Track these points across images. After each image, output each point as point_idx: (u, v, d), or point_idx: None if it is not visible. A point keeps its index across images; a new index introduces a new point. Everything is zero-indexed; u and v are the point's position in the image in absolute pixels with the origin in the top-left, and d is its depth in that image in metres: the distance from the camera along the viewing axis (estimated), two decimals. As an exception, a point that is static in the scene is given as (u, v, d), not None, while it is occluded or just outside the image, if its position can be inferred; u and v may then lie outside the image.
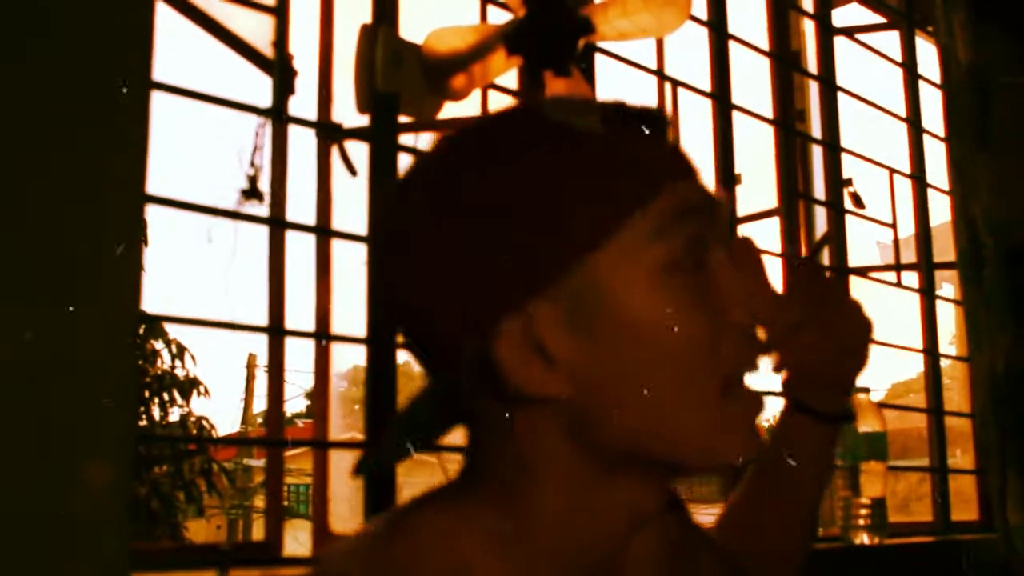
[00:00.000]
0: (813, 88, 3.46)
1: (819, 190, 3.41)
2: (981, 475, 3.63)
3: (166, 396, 7.47)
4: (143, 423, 7.16)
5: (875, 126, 3.62)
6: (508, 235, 0.71)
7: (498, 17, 2.43)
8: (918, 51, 3.80)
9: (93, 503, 1.55)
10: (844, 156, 3.40)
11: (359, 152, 2.22)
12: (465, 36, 2.26)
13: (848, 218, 3.36)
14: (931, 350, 3.52)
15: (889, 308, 3.43)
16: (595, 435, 0.73)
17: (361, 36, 2.23)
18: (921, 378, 3.61)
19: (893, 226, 3.49)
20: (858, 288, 3.35)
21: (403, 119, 2.28)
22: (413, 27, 2.27)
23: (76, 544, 1.53)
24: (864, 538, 2.73)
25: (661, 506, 0.79)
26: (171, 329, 7.49)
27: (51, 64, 1.53)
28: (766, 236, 3.12)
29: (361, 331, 2.15)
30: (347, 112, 2.25)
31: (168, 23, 1.90)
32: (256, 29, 2.19)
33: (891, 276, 3.49)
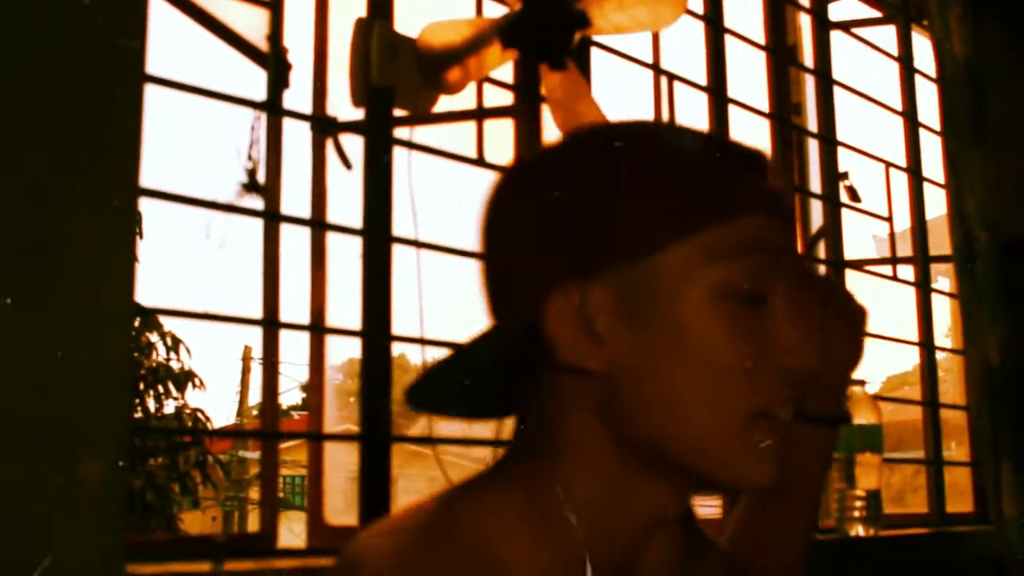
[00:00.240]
0: (809, 82, 3.46)
1: (815, 183, 3.42)
2: (976, 467, 3.64)
3: (161, 389, 7.47)
4: (138, 415, 7.15)
5: (871, 120, 3.62)
6: (591, 215, 0.77)
7: (493, 10, 2.43)
8: (914, 45, 3.79)
9: (88, 496, 1.55)
10: (840, 150, 3.40)
11: (354, 146, 2.22)
12: (460, 29, 2.26)
13: (844, 211, 3.36)
14: (926, 343, 3.53)
15: (885, 301, 3.44)
16: (625, 423, 0.77)
17: (356, 29, 2.23)
18: (916, 371, 3.62)
19: (889, 220, 3.49)
20: (854, 281, 3.35)
21: (398, 113, 2.27)
22: (408, 20, 2.26)
23: (71, 536, 1.53)
24: (859, 530, 2.74)
25: (679, 513, 0.83)
26: (166, 322, 7.49)
27: (44, 57, 1.53)
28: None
29: (356, 324, 2.15)
30: (342, 106, 2.25)
31: (162, 16, 1.90)
32: (250, 22, 2.19)
33: (887, 269, 3.49)
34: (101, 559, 1.56)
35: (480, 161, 2.38)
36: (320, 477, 2.30)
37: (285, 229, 2.15)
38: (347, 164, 2.22)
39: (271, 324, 2.12)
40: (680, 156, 0.80)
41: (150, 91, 1.75)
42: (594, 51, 2.62)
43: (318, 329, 2.26)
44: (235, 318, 2.02)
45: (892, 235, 3.52)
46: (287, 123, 2.18)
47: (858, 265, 3.48)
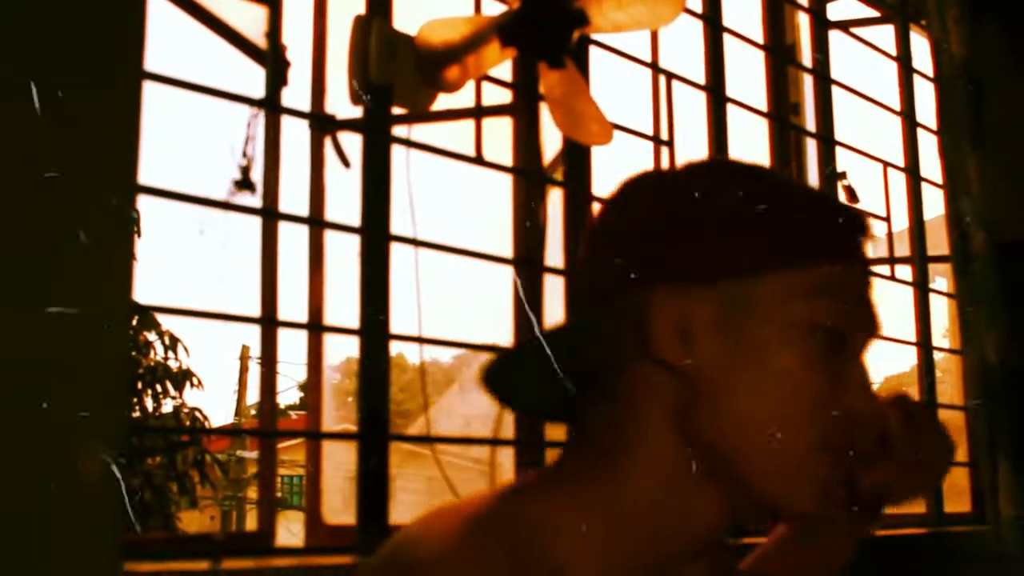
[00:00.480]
0: (807, 81, 3.46)
1: (813, 183, 3.41)
2: (973, 468, 3.64)
3: (159, 388, 7.46)
4: (136, 414, 7.14)
5: (869, 120, 3.62)
6: (707, 230, 0.83)
7: (492, 8, 2.42)
8: (912, 45, 3.80)
9: (86, 495, 1.55)
10: (838, 149, 3.40)
11: (352, 144, 2.22)
12: (459, 27, 2.26)
13: (842, 211, 3.35)
14: (924, 343, 3.53)
15: (882, 301, 3.44)
16: (696, 428, 0.82)
17: (355, 27, 2.22)
18: (914, 371, 3.62)
19: (887, 219, 3.49)
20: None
21: (396, 111, 2.27)
22: (407, 18, 2.26)
23: (69, 535, 1.53)
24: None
25: (726, 532, 0.87)
26: (164, 320, 7.49)
27: (42, 54, 1.53)
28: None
29: (354, 323, 2.15)
30: (340, 103, 2.25)
31: (161, 13, 1.90)
32: (249, 19, 2.18)
33: (885, 269, 3.49)
34: (99, 558, 1.56)
35: (478, 159, 2.38)
36: (318, 476, 2.29)
37: (283, 227, 2.15)
38: (345, 162, 2.21)
39: (269, 323, 2.12)
40: (795, 196, 0.87)
41: (149, 88, 1.75)
42: (593, 49, 2.62)
43: (316, 328, 2.25)
44: (233, 316, 2.01)
45: (890, 235, 3.52)
46: (285, 121, 2.18)
47: (856, 265, 3.47)
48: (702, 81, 3.00)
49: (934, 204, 3.68)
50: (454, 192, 2.56)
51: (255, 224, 2.11)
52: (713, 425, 0.81)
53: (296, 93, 2.16)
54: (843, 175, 3.41)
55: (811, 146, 3.43)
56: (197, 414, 7.77)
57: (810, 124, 3.41)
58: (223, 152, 2.04)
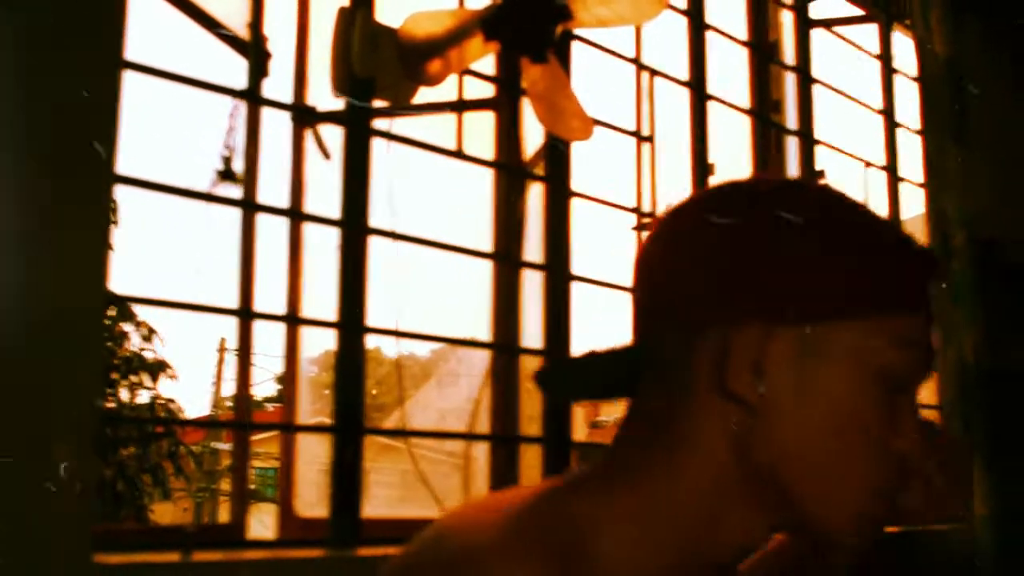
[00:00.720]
0: (789, 79, 3.46)
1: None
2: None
3: (134, 378, 7.42)
4: (111, 405, 7.11)
5: (850, 118, 3.63)
6: (796, 267, 0.83)
7: (475, 2, 2.42)
8: (895, 44, 3.81)
9: (57, 484, 1.53)
10: (819, 147, 3.41)
11: (333, 136, 2.21)
12: (442, 21, 2.25)
13: (821, 210, 3.36)
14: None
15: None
16: (755, 456, 0.83)
17: (337, 19, 2.21)
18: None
19: (866, 219, 3.49)
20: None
21: (378, 104, 2.26)
22: (390, 11, 2.25)
23: (40, 525, 1.52)
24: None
25: (763, 544, 0.88)
26: (140, 311, 7.45)
27: (22, 43, 1.51)
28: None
29: (331, 315, 2.14)
30: (322, 95, 2.24)
31: (142, 2, 1.88)
32: (231, 10, 2.17)
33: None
34: (69, 548, 1.55)
35: (459, 154, 2.38)
36: (291, 469, 2.29)
37: (262, 219, 2.13)
38: (326, 154, 2.20)
39: (246, 315, 2.11)
40: (886, 236, 0.86)
41: (128, 77, 1.73)
42: (576, 45, 2.61)
43: (293, 320, 2.24)
44: (210, 308, 2.00)
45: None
46: (266, 112, 2.16)
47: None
48: (684, 78, 3.00)
49: (913, 203, 3.69)
50: (434, 186, 2.55)
51: (234, 215, 2.10)
52: (775, 455, 0.82)
53: (278, 84, 2.15)
54: (822, 173, 3.42)
55: (792, 144, 3.43)
56: (172, 405, 7.74)
57: (791, 122, 3.41)
58: (203, 142, 2.03)
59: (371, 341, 2.26)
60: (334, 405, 2.14)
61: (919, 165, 3.72)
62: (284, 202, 2.22)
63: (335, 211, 2.15)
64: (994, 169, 3.52)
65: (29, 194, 1.55)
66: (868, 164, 3.56)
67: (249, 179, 2.11)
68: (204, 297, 1.99)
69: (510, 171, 2.57)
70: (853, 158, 3.53)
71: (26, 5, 1.51)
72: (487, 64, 2.47)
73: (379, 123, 2.24)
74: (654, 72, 2.87)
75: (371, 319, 2.16)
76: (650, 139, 2.84)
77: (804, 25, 3.48)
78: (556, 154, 2.57)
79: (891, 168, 3.67)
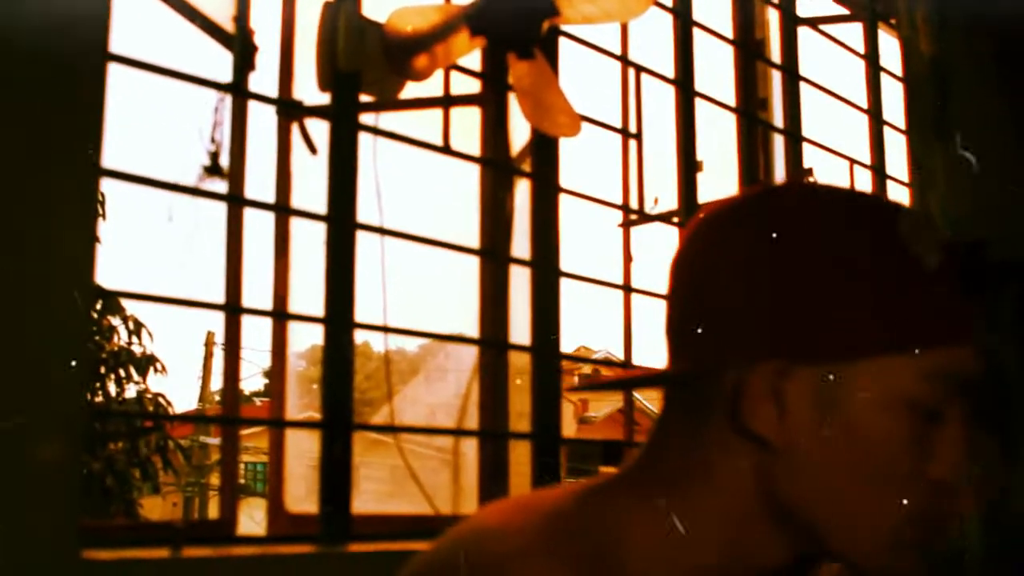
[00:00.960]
0: (776, 77, 3.47)
1: (780, 178, 3.42)
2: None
3: (122, 373, 7.39)
4: (99, 399, 7.09)
5: (837, 117, 3.64)
6: (817, 304, 0.79)
7: (462, -3, 2.42)
8: (880, 43, 3.82)
9: (43, 479, 1.54)
10: (805, 145, 3.42)
11: (319, 131, 2.21)
12: (428, 16, 2.25)
13: (808, 207, 3.37)
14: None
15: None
16: (780, 491, 0.81)
17: (323, 13, 2.21)
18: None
19: (852, 216, 3.50)
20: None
21: (364, 98, 2.26)
22: (376, 5, 2.25)
23: (28, 520, 1.52)
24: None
25: (783, 567, 0.84)
26: (129, 306, 7.43)
27: (3, 35, 1.51)
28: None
29: (319, 310, 2.14)
30: (308, 90, 2.24)
31: (128, -5, 1.88)
32: (217, 3, 2.17)
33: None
34: (56, 543, 1.55)
35: (446, 149, 2.38)
36: (281, 464, 2.29)
37: (249, 214, 2.13)
38: (312, 149, 2.20)
39: (233, 309, 2.11)
40: (912, 265, 0.79)
41: (113, 70, 1.73)
42: (562, 41, 2.62)
43: (280, 315, 2.24)
44: (197, 303, 2.00)
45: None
46: (252, 106, 2.16)
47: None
48: (671, 75, 3.01)
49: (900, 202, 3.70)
50: (421, 181, 2.55)
51: (221, 210, 2.10)
52: (800, 492, 0.80)
53: (264, 78, 2.15)
54: (809, 171, 3.43)
55: (779, 141, 3.44)
56: (160, 400, 7.73)
57: (778, 120, 3.42)
58: (189, 136, 2.03)
59: (360, 336, 2.26)
60: (323, 400, 2.14)
61: (905, 164, 3.74)
62: (271, 197, 2.22)
63: (322, 206, 2.16)
64: (979, 169, 3.53)
65: (15, 188, 1.55)
66: (854, 163, 3.57)
67: (236, 174, 2.11)
68: (192, 292, 2.00)
69: (497, 167, 2.57)
70: (840, 156, 3.54)
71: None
72: (473, 60, 2.47)
73: (365, 118, 2.24)
74: (641, 69, 2.88)
75: (359, 314, 2.16)
76: (637, 136, 2.85)
77: (790, 23, 3.49)
78: (544, 150, 2.57)
79: (878, 167, 3.68)
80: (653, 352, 2.68)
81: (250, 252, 2.13)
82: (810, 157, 3.43)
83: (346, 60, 2.17)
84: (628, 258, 2.84)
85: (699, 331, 0.84)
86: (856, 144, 3.67)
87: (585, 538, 0.80)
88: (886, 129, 3.74)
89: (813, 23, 3.63)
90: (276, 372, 2.32)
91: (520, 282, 2.57)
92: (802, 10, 3.57)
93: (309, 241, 2.23)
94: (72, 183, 1.62)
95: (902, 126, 3.76)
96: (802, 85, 3.45)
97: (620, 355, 2.93)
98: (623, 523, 0.82)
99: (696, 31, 3.08)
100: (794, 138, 3.39)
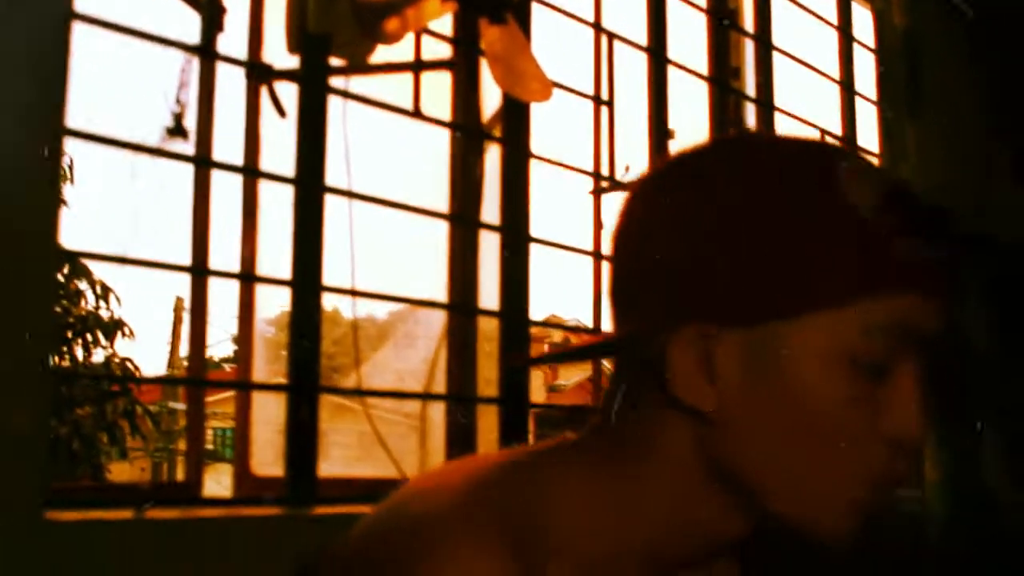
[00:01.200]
0: (749, 47, 3.47)
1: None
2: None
3: (89, 337, 7.35)
4: (66, 364, 7.04)
5: (808, 87, 3.65)
6: (738, 262, 0.74)
7: (434, -39, 2.40)
8: (853, 15, 3.82)
9: (7, 441, 1.53)
10: (777, 115, 3.42)
11: (289, 94, 2.19)
12: (400, -22, 2.24)
13: (778, 177, 3.38)
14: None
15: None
16: (721, 457, 0.77)
17: (294, -26, 2.20)
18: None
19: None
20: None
21: (334, 62, 2.25)
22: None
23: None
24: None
25: (738, 537, 0.81)
26: (96, 269, 7.37)
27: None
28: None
29: (287, 274, 2.14)
30: (277, 52, 2.22)
31: (93, -47, 1.85)
32: (185, -37, 2.15)
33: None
34: (20, 505, 1.54)
35: (416, 113, 2.37)
36: (247, 427, 2.28)
37: (216, 176, 2.12)
38: (281, 112, 2.19)
39: (200, 272, 2.10)
40: (852, 208, 0.73)
41: (77, 29, 1.71)
42: (534, 6, 2.61)
43: (248, 278, 2.23)
44: (164, 264, 1.99)
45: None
46: (221, 68, 2.14)
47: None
48: (644, 43, 3.00)
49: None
50: (391, 146, 2.54)
51: (188, 172, 2.08)
52: (742, 458, 0.76)
53: (232, 40, 2.14)
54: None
55: (751, 111, 3.44)
56: (128, 364, 7.68)
57: (750, 89, 3.42)
58: (155, 98, 2.01)
59: (329, 303, 2.26)
60: (289, 364, 2.14)
61: (876, 135, 3.76)
62: (239, 159, 2.20)
63: (290, 169, 2.15)
64: (949, 141, 3.56)
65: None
66: (826, 133, 3.58)
67: (203, 136, 2.10)
68: (159, 255, 1.99)
69: (467, 132, 2.57)
70: (811, 127, 3.54)
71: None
72: (445, 24, 2.46)
73: (335, 81, 2.23)
74: (613, 36, 2.87)
75: (327, 279, 2.16)
76: (609, 103, 2.84)
77: (764, -8, 3.49)
78: (515, 115, 2.57)
79: (849, 138, 3.69)
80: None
81: (217, 216, 2.12)
82: (781, 127, 3.44)
83: (316, 22, 2.16)
84: (599, 225, 2.85)
85: (627, 297, 0.81)
86: (828, 115, 3.68)
87: (508, 504, 0.77)
88: (858, 100, 3.76)
89: (786, -7, 3.63)
90: (243, 337, 2.31)
91: (490, 248, 2.57)
92: (775, -21, 3.57)
93: (277, 204, 2.22)
94: (36, 145, 1.61)
95: (874, 97, 3.78)
96: (775, 55, 3.45)
97: (590, 323, 2.94)
98: (552, 491, 0.79)
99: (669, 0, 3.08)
100: (766, 107, 3.40)
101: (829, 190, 0.73)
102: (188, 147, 2.06)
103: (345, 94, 2.22)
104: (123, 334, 7.50)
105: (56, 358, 5.98)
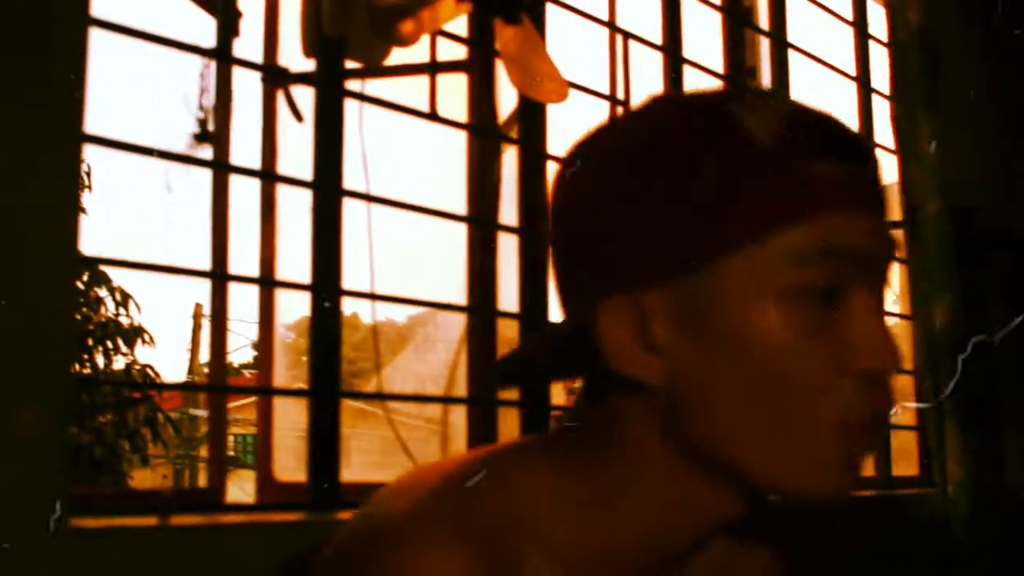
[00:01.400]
0: (764, 44, 3.46)
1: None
2: (921, 431, 3.69)
3: (110, 344, 7.38)
4: (87, 371, 7.07)
5: (824, 84, 3.64)
6: (648, 215, 0.70)
7: (449, -37, 2.40)
8: (868, 11, 3.81)
9: (29, 449, 1.53)
10: (793, 113, 3.41)
11: (305, 97, 2.20)
12: (414, -19, 2.23)
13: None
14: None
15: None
16: (686, 431, 0.73)
17: (308, -23, 2.20)
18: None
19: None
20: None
21: (350, 64, 2.25)
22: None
23: (12, 489, 1.51)
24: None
25: (740, 517, 0.78)
26: (115, 276, 7.40)
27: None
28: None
29: (306, 279, 2.14)
30: (294, 56, 2.22)
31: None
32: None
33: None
34: (42, 512, 1.54)
35: (433, 115, 2.37)
36: (269, 433, 2.29)
37: (235, 181, 2.12)
38: (298, 116, 2.19)
39: (219, 277, 2.10)
40: (753, 141, 0.69)
41: (95, 35, 1.71)
42: (549, 7, 2.60)
43: (267, 283, 2.24)
44: (183, 270, 1.99)
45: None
46: (237, 73, 2.15)
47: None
48: (659, 41, 3.00)
49: (887, 169, 3.70)
50: (408, 148, 2.54)
51: (206, 177, 2.09)
52: (705, 425, 0.71)
53: (248, 44, 2.14)
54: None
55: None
56: (149, 371, 7.70)
57: (766, 87, 3.41)
58: (174, 103, 2.01)
59: (348, 307, 2.26)
60: (310, 369, 2.13)
61: (891, 132, 3.74)
62: (257, 163, 2.21)
63: (308, 173, 2.15)
64: (967, 136, 3.54)
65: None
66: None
67: (221, 140, 2.10)
68: (178, 261, 1.99)
69: (484, 133, 2.56)
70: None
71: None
72: (460, 25, 2.46)
73: (351, 84, 2.23)
74: (628, 35, 2.86)
75: (346, 283, 2.15)
76: (624, 103, 2.83)
77: (779, -11, 3.48)
78: (531, 116, 2.56)
79: (866, 135, 3.67)
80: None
81: (236, 221, 2.13)
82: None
83: (331, 25, 2.16)
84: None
85: (561, 279, 0.78)
86: (844, 112, 3.65)
87: (471, 501, 0.75)
88: (874, 97, 3.74)
89: (801, -10, 3.61)
90: (263, 341, 2.32)
91: (508, 249, 2.56)
92: (790, -24, 3.55)
93: (295, 209, 2.22)
94: (55, 152, 1.61)
95: (889, 93, 3.76)
96: (790, 52, 3.44)
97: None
98: (517, 487, 0.77)
99: (684, -2, 3.07)
100: (782, 105, 3.38)
101: (727, 129, 0.70)
102: (206, 152, 2.06)
103: (361, 97, 2.21)
104: (143, 341, 7.53)
105: (77, 366, 6.00)
